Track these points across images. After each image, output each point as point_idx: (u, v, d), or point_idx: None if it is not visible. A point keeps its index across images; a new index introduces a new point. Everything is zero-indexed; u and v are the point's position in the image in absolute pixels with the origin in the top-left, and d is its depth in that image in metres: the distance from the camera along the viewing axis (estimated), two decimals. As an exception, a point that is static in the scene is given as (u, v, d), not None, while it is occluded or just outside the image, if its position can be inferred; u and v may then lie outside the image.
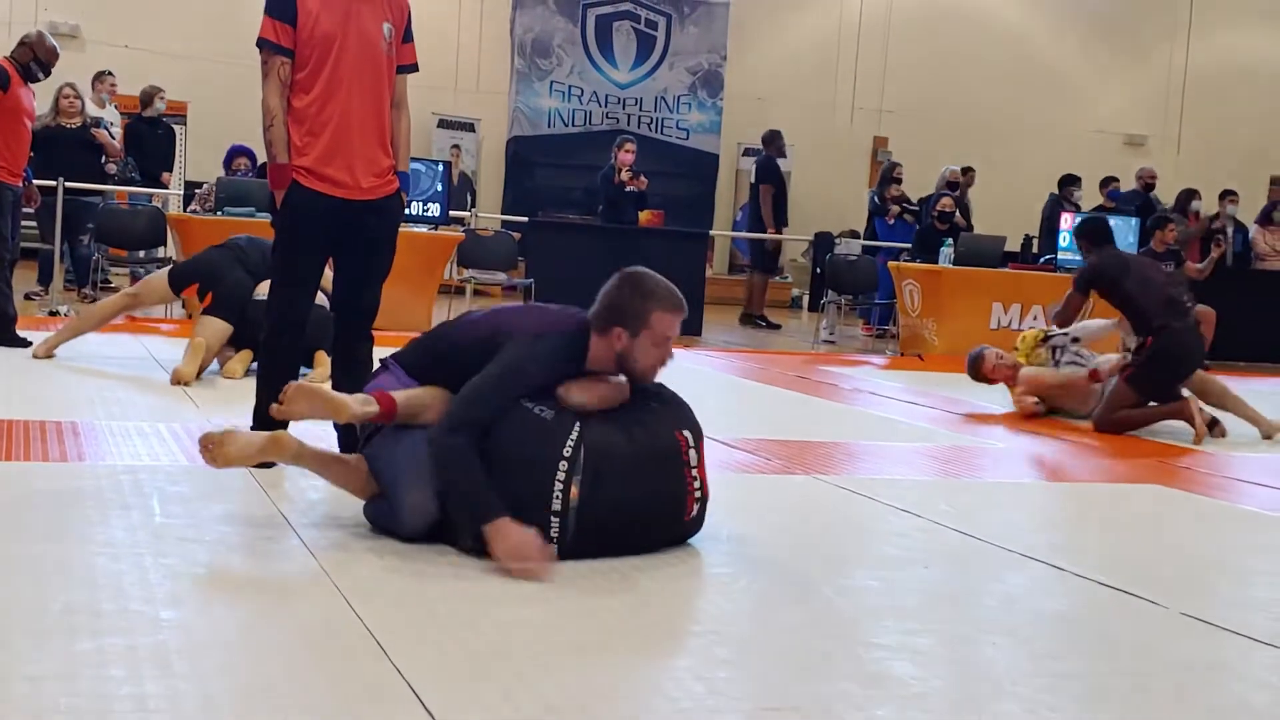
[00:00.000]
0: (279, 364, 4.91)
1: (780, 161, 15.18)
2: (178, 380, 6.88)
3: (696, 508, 3.86)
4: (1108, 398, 7.61)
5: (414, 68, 5.04)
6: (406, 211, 11.24)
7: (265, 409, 4.64)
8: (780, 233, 14.92)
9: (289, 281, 4.94)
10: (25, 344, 7.94)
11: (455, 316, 4.23)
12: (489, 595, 3.34)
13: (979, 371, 8.31)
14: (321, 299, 7.40)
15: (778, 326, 14.87)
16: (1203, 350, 7.95)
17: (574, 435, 3.68)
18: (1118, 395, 7.57)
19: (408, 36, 4.98)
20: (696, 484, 3.83)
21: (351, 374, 4.82)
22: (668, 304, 3.80)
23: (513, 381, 3.76)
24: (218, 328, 7.29)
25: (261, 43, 4.79)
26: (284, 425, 4.66)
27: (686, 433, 3.84)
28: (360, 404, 3.86)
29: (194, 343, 7.13)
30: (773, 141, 15.14)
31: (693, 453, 3.82)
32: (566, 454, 3.66)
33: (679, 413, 3.90)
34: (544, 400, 3.78)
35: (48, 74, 8.56)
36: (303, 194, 4.79)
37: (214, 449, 3.88)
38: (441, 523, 3.77)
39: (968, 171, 15.99)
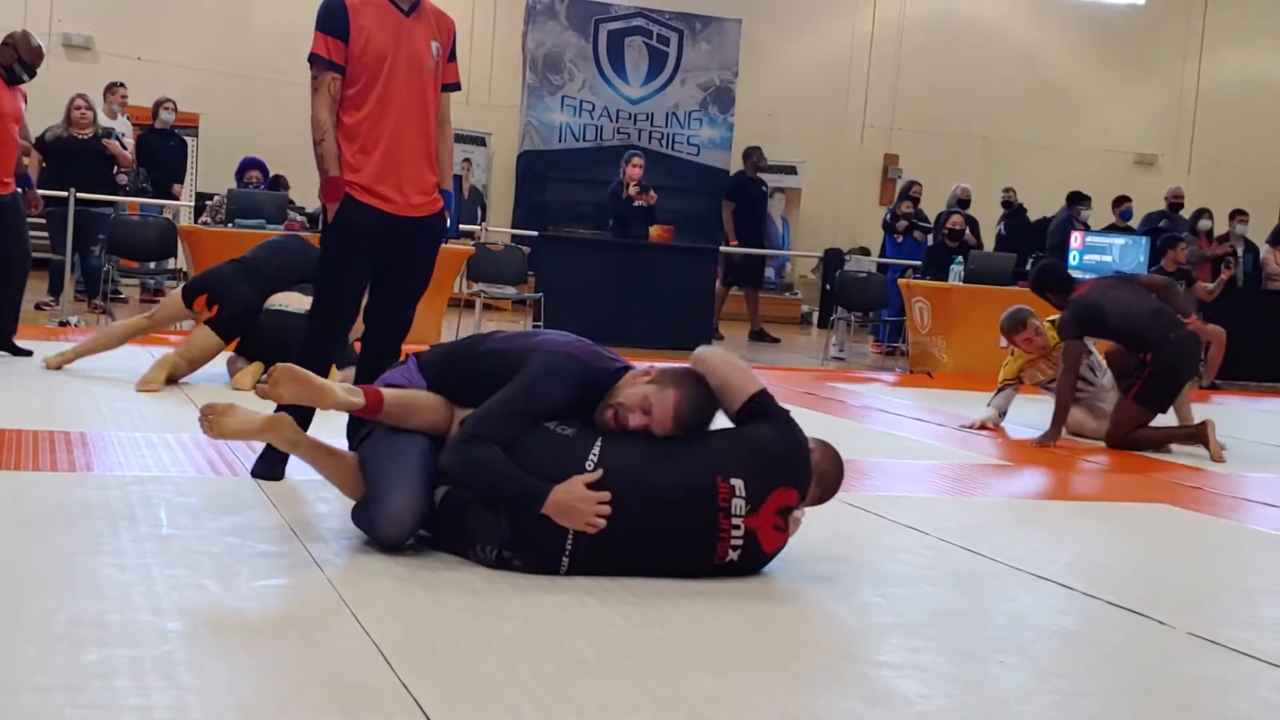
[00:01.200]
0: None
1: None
2: (141, 389, 6.98)
3: (734, 554, 3.69)
4: (1119, 418, 7.63)
5: (457, 86, 5.08)
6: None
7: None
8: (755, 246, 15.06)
9: (334, 297, 4.94)
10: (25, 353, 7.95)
11: (489, 332, 4.22)
12: (497, 610, 3.34)
13: (1013, 334, 8.17)
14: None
15: (776, 340, 14.93)
16: (1199, 353, 8.01)
17: (594, 452, 3.65)
18: (1129, 415, 7.59)
19: (452, 56, 5.04)
20: (738, 532, 3.66)
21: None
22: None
23: (534, 397, 3.73)
24: (206, 341, 7.38)
25: (313, 58, 4.85)
26: (284, 462, 4.77)
27: (735, 481, 3.65)
28: (346, 393, 3.86)
29: (164, 356, 7.29)
30: (748, 158, 15.37)
31: (738, 502, 3.64)
32: (588, 467, 3.62)
33: (737, 459, 3.71)
34: (569, 422, 3.76)
35: (33, 74, 8.23)
36: (356, 209, 4.82)
37: (213, 419, 3.91)
38: (452, 533, 3.76)
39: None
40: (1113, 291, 7.83)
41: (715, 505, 3.64)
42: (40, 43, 8.22)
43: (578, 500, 3.56)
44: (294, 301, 7.51)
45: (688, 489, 3.64)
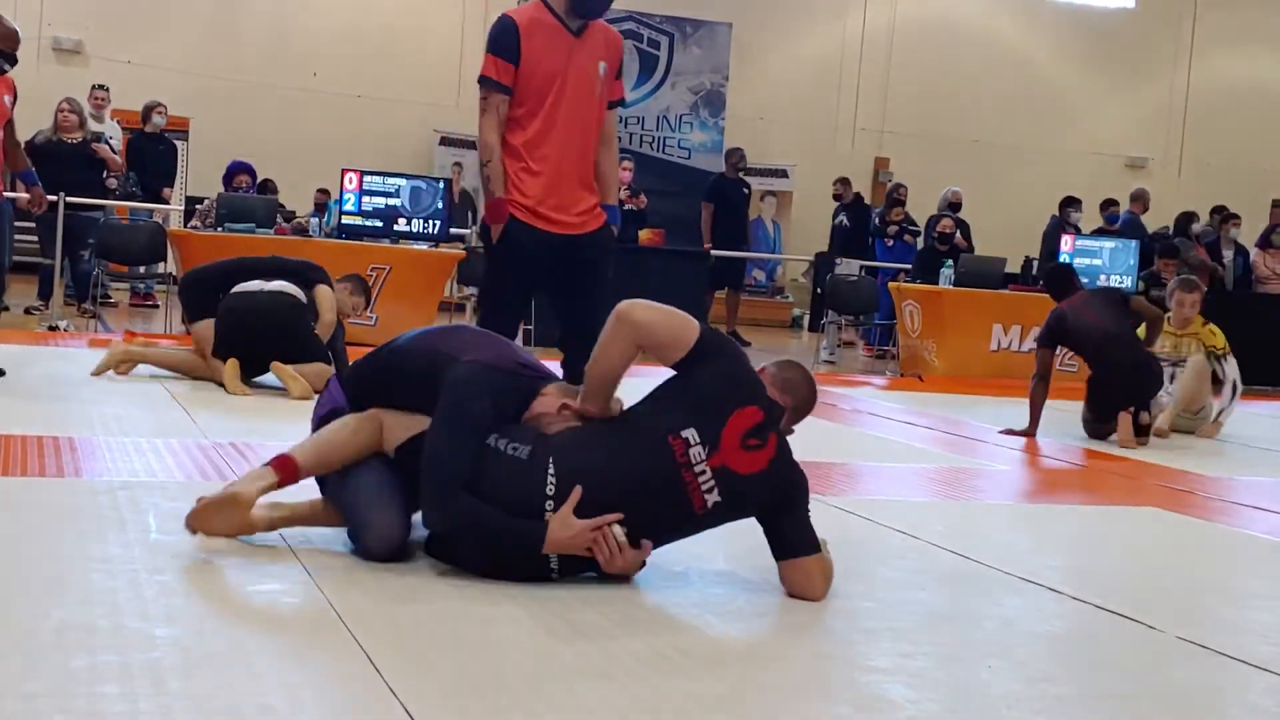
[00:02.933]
0: None
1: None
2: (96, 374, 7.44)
3: (713, 497, 3.61)
4: (1084, 415, 8.20)
5: (622, 102, 5.17)
6: (407, 228, 11.34)
7: None
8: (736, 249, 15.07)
9: (499, 310, 5.01)
10: None
11: (391, 339, 4.06)
12: (486, 617, 3.34)
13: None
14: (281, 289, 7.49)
15: (747, 344, 14.95)
16: (1141, 383, 8.01)
17: (551, 474, 3.56)
18: (1084, 411, 8.21)
19: (619, 72, 5.10)
20: (705, 477, 3.59)
21: None
22: None
23: (468, 413, 3.61)
24: (185, 357, 7.63)
25: (482, 79, 4.93)
26: None
27: (686, 433, 3.60)
28: (255, 481, 3.81)
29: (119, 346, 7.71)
30: (729, 159, 15.41)
31: (695, 450, 3.60)
32: (550, 492, 3.55)
33: (683, 410, 3.65)
34: (509, 431, 3.66)
35: (14, 62, 7.56)
36: (520, 229, 4.89)
37: (196, 520, 3.78)
38: (440, 551, 3.74)
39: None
40: (1084, 306, 8.07)
41: (675, 464, 3.59)
42: (14, 26, 7.54)
43: (575, 535, 3.52)
44: (255, 285, 7.56)
45: (647, 464, 3.60)
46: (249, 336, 7.40)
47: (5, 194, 8.09)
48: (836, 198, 16.44)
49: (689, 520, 3.68)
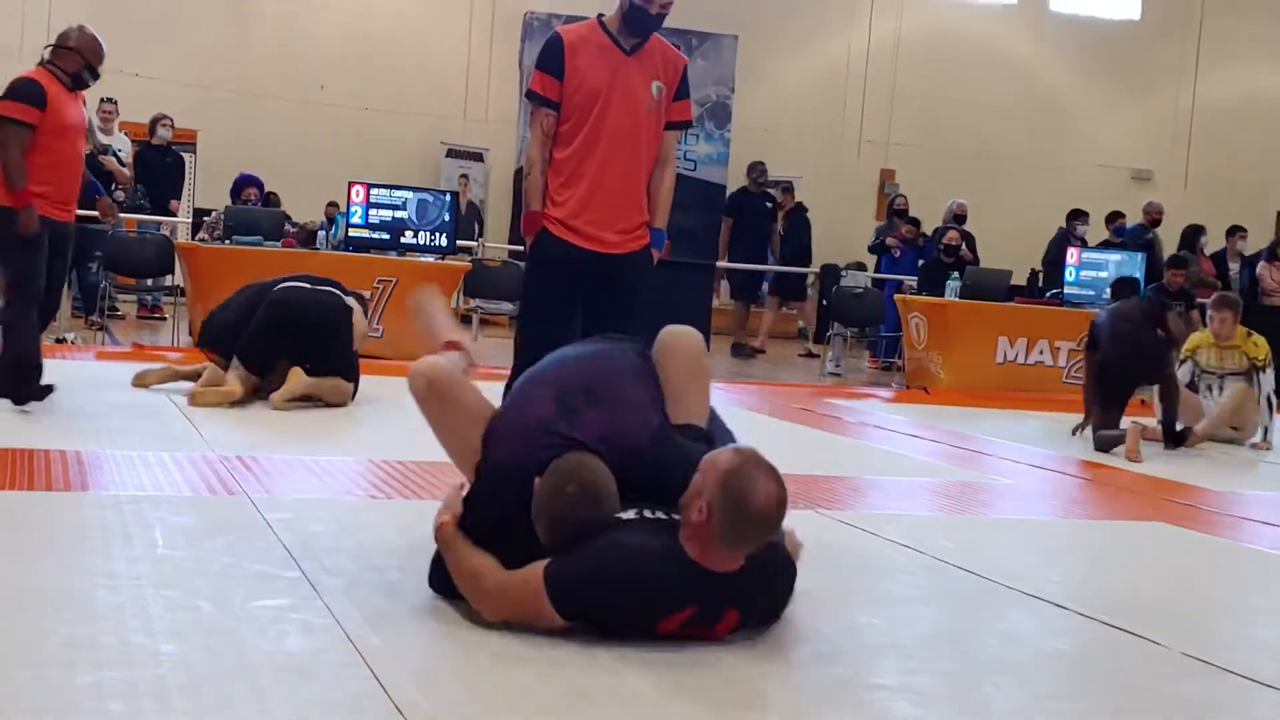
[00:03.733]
0: None
1: (770, 192, 15.25)
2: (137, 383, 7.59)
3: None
4: (1095, 420, 8.41)
5: (686, 124, 5.18)
6: (413, 240, 11.35)
7: None
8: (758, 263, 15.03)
9: (533, 325, 5.05)
10: (49, 391, 6.78)
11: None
12: (494, 636, 3.34)
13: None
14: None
15: (761, 351, 15.00)
16: (1137, 366, 8.48)
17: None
18: (1098, 416, 8.41)
19: (682, 94, 5.08)
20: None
21: None
22: None
23: None
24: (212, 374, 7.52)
25: (530, 94, 4.98)
26: None
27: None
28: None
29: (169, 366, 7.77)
30: (749, 173, 15.35)
31: None
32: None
33: None
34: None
35: (97, 76, 7.38)
36: (552, 243, 4.93)
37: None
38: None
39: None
40: (1119, 306, 8.73)
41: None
42: (97, 34, 7.29)
43: None
44: (304, 284, 7.60)
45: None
46: (293, 332, 7.35)
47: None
48: (780, 205, 16.18)
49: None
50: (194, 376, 7.52)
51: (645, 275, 5.09)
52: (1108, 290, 11.47)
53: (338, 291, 7.65)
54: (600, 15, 5.07)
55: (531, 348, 4.92)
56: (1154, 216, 15.80)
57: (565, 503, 3.27)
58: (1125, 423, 8.15)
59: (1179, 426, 8.38)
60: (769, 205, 15.45)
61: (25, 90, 6.80)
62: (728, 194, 16.09)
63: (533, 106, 4.99)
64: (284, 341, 7.35)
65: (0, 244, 6.57)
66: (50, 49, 7.08)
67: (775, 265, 15.57)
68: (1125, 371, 8.43)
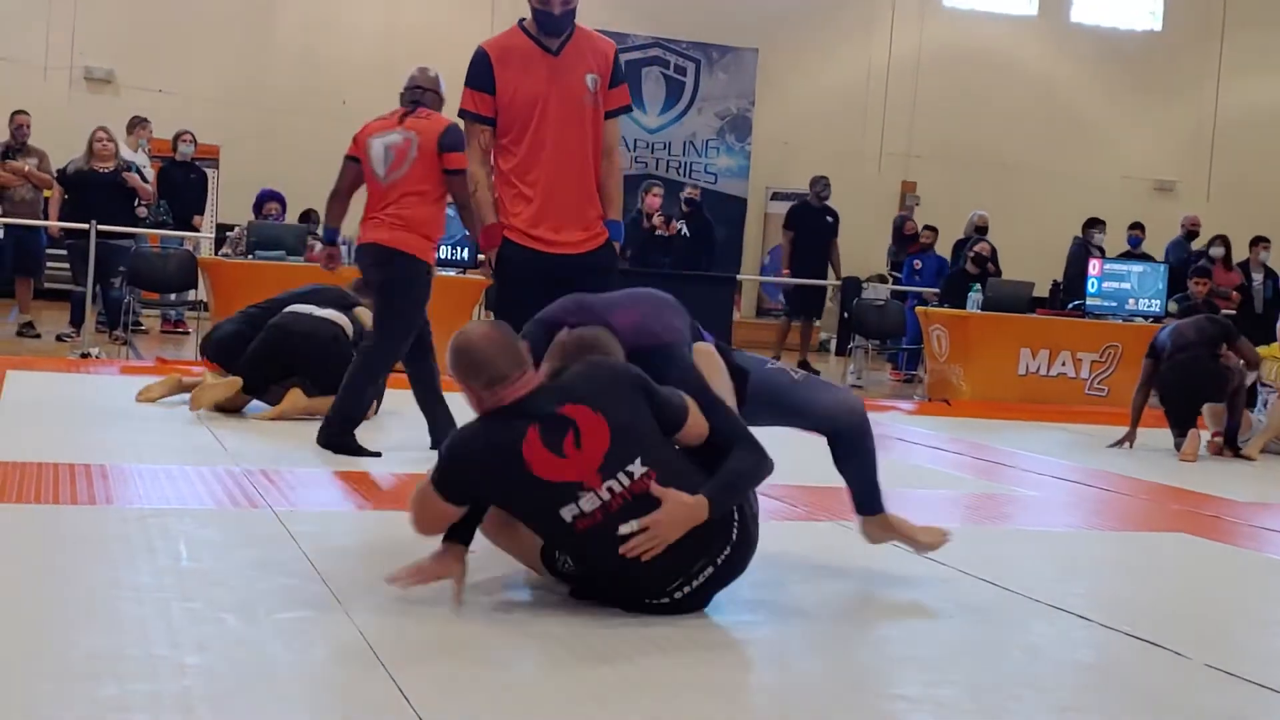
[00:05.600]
0: None
1: (831, 207, 15.07)
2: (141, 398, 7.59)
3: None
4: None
5: (626, 109, 5.16)
6: (437, 255, 11.36)
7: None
8: (817, 278, 14.88)
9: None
10: (371, 454, 6.35)
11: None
12: (516, 645, 3.35)
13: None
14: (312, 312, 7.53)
15: (816, 372, 14.87)
16: (1198, 380, 8.72)
17: None
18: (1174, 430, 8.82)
19: (616, 80, 5.07)
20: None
21: None
22: None
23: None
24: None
25: (462, 113, 4.97)
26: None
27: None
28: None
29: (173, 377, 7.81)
30: (812, 186, 15.14)
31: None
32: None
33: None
34: None
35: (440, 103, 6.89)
36: (515, 250, 4.94)
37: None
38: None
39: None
40: (1175, 337, 8.90)
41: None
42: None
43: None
44: (306, 309, 7.66)
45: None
46: (288, 356, 7.46)
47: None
48: (688, 201, 15.68)
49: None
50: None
51: (611, 270, 5.10)
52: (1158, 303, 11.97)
53: (337, 316, 7.66)
54: (521, 20, 5.03)
55: None
56: (1190, 229, 15.75)
57: (561, 352, 3.73)
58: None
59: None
60: (830, 220, 15.18)
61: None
62: (789, 208, 15.81)
63: (465, 125, 4.98)
64: (277, 366, 7.50)
65: (396, 291, 6.46)
66: (421, 92, 6.77)
67: (831, 280, 15.29)
68: (1191, 397, 8.74)
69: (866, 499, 4.35)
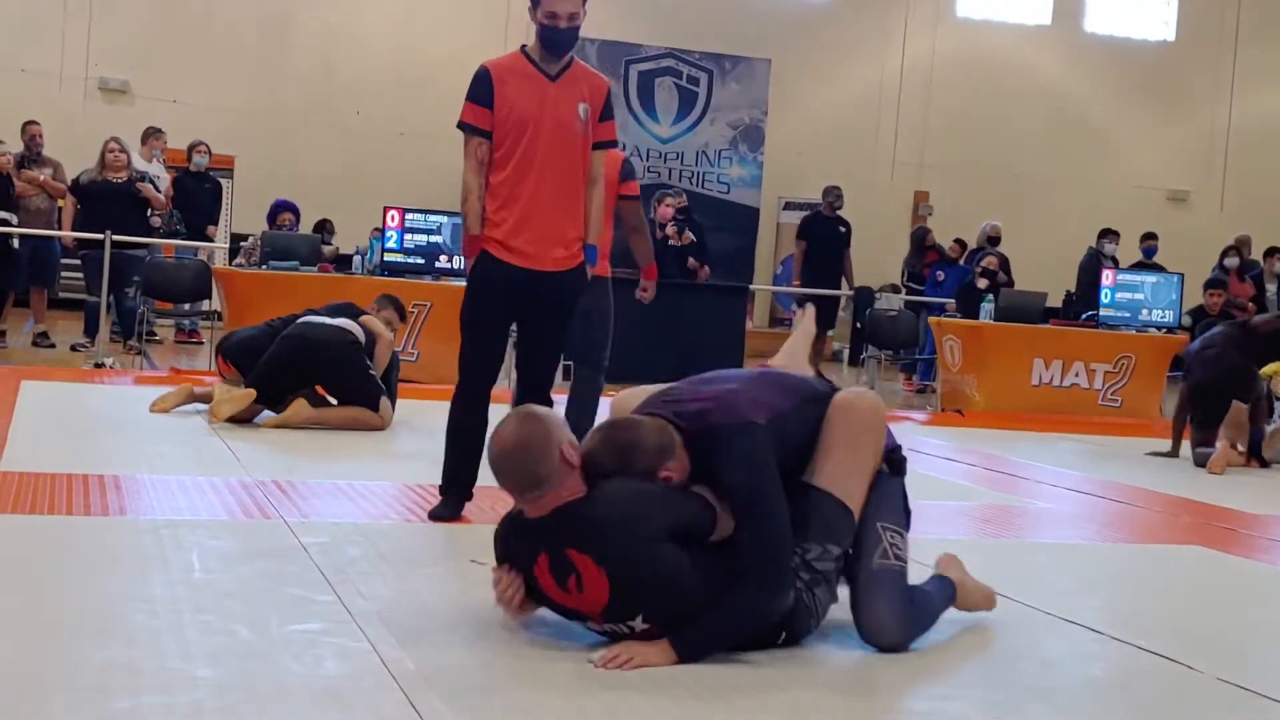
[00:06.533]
0: (460, 425, 5.20)
1: (843, 217, 15.01)
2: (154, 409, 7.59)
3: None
4: (1191, 438, 8.93)
5: (612, 144, 5.37)
6: (448, 265, 11.38)
7: (451, 474, 5.15)
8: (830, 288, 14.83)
9: (473, 342, 5.20)
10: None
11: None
12: (529, 663, 3.34)
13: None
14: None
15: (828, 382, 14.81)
16: (1233, 377, 8.80)
17: None
18: (1192, 433, 8.97)
19: (606, 115, 5.27)
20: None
21: None
22: None
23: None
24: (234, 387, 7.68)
25: (461, 125, 5.18)
26: (470, 486, 5.09)
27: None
28: None
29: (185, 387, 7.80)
30: (824, 196, 15.09)
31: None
32: None
33: None
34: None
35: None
36: (490, 263, 5.10)
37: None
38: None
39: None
40: (1203, 342, 9.08)
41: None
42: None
43: None
44: (319, 320, 7.72)
45: None
46: (305, 366, 7.51)
47: None
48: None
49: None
50: (210, 398, 7.62)
51: (580, 291, 5.28)
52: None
53: (349, 324, 7.71)
54: (523, 45, 5.25)
55: (472, 362, 5.19)
56: (1240, 252, 15.71)
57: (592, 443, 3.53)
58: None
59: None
60: (843, 230, 15.13)
61: None
62: (801, 218, 15.80)
63: (465, 136, 5.15)
64: (293, 375, 7.56)
65: (597, 312, 6.50)
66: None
67: (845, 291, 15.25)
68: (1218, 393, 8.80)
69: None
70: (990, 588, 4.06)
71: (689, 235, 13.39)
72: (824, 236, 14.84)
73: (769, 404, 3.60)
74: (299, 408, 7.42)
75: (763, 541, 3.40)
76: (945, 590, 3.92)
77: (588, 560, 3.33)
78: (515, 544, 3.49)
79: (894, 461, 3.83)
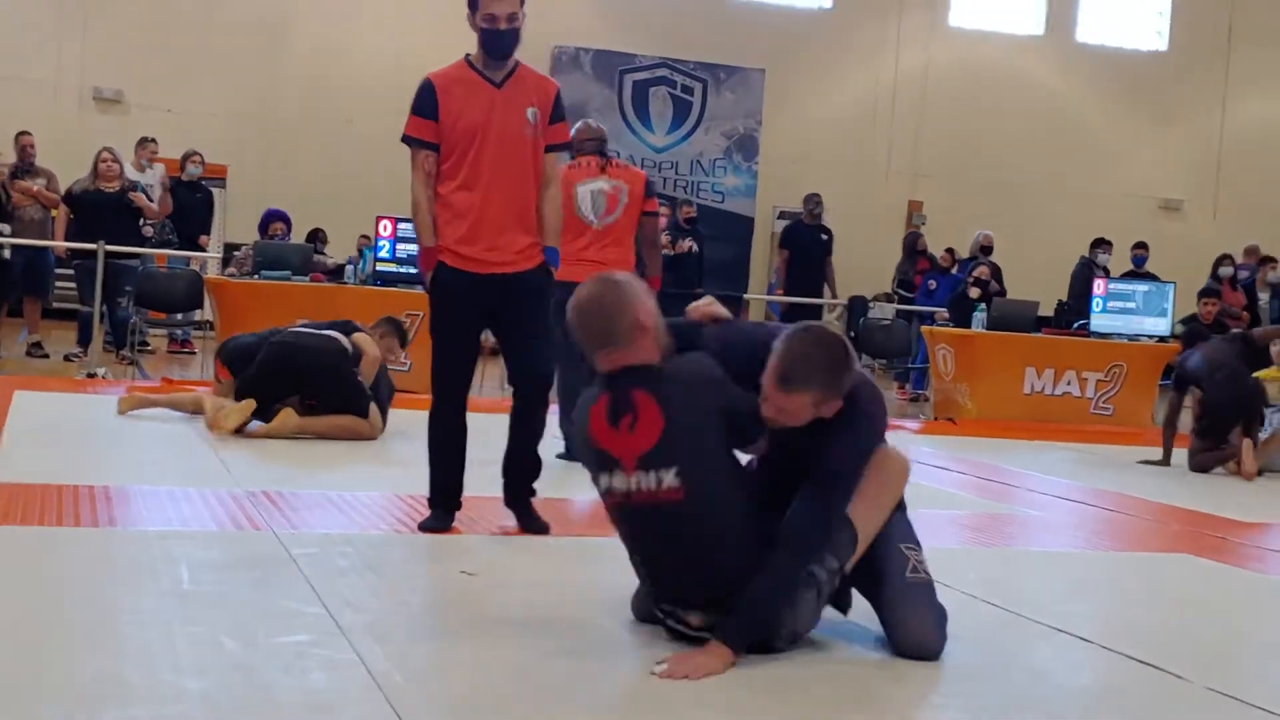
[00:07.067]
0: (440, 437, 5.17)
1: (826, 225, 15.04)
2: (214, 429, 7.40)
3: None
4: (1190, 447, 8.99)
5: (563, 146, 5.35)
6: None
7: (439, 487, 5.12)
8: (813, 297, 14.85)
9: (444, 352, 5.17)
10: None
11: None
12: (515, 669, 3.34)
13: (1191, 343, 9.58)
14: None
15: None
16: (1246, 395, 8.89)
17: None
18: (1193, 444, 8.99)
19: (557, 117, 5.22)
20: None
21: (528, 440, 5.18)
22: None
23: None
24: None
25: (406, 138, 5.14)
26: (458, 495, 5.10)
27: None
28: None
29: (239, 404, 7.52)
30: (805, 204, 15.11)
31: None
32: None
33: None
34: None
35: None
36: (446, 271, 5.08)
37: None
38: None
39: None
40: (1204, 346, 9.14)
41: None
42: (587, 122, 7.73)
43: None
44: (306, 329, 7.77)
45: None
46: (294, 373, 7.52)
47: None
48: None
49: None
50: (188, 405, 7.76)
51: (545, 289, 5.23)
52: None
53: (337, 334, 7.74)
54: (467, 55, 5.20)
55: (443, 373, 5.17)
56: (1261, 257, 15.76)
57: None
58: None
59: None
60: (824, 238, 15.17)
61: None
62: (783, 227, 15.88)
63: (411, 150, 5.13)
64: (280, 383, 7.54)
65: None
66: (605, 144, 7.61)
67: (828, 299, 15.30)
68: (1233, 414, 8.88)
69: None
70: None
71: (687, 244, 13.39)
72: (806, 245, 14.88)
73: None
74: (286, 417, 7.41)
75: (831, 519, 3.57)
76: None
77: (651, 401, 3.51)
78: (583, 396, 3.68)
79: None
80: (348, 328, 7.92)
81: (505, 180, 5.06)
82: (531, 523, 5.17)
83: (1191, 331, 10.43)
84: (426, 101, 5.08)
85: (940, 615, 3.74)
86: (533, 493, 5.22)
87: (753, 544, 3.52)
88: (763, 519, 3.57)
